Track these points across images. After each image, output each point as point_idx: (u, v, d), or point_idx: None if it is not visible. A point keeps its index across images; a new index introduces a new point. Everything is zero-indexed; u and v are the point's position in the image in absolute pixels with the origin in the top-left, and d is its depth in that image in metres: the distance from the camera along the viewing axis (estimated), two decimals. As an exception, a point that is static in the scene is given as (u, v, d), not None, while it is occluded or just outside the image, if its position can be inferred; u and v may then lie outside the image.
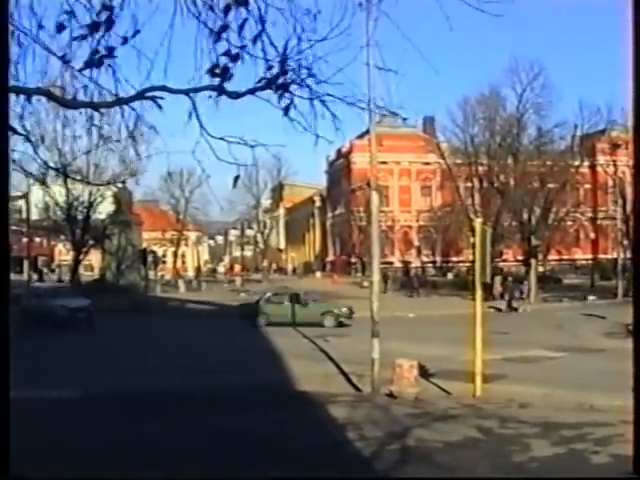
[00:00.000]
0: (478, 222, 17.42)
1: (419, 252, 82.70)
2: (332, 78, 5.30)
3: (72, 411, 13.93)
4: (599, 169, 65.22)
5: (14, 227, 49.97)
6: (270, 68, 4.93)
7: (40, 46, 5.26)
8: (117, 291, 44.23)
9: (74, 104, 5.76)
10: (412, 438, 11.73)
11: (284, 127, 5.37)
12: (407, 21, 6.07)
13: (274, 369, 19.51)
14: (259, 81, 5.03)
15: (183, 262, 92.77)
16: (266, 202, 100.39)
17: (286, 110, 5.10)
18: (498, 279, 43.03)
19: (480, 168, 54.18)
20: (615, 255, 54.22)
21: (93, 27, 4.70)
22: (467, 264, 56.34)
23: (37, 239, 70.25)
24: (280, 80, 5.00)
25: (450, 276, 71.23)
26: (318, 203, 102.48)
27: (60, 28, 4.75)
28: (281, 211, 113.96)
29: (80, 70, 5.01)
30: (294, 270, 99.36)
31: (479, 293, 16.13)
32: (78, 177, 41.57)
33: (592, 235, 73.73)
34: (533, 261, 48.79)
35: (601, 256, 72.28)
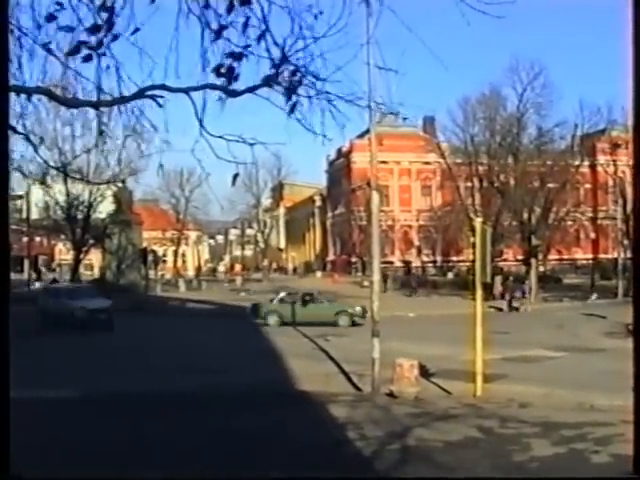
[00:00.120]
0: (478, 222, 17.41)
1: (419, 252, 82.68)
2: (332, 77, 5.30)
3: (72, 411, 13.94)
4: (599, 169, 65.20)
5: (14, 226, 50.03)
6: (276, 66, 4.92)
7: (39, 46, 5.26)
8: (117, 291, 44.14)
9: (74, 103, 5.77)
10: (412, 438, 11.73)
11: (284, 126, 5.38)
12: (407, 21, 6.06)
13: (274, 369, 19.51)
14: (271, 77, 5.03)
15: (183, 261, 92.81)
16: (266, 201, 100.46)
17: (291, 109, 5.09)
18: (498, 279, 43.03)
19: (480, 168, 54.17)
20: (615, 255, 54.19)
21: (94, 29, 4.69)
22: (467, 264, 56.28)
23: (37, 238, 70.33)
24: (288, 80, 4.99)
25: (450, 276, 71.20)
26: (318, 202, 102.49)
27: (50, 18, 4.74)
28: (281, 210, 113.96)
29: (66, 55, 5.00)
30: (294, 269, 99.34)
31: (479, 293, 16.13)
32: (78, 176, 41.47)
33: (592, 235, 73.68)
34: (533, 261, 48.78)
35: (601, 256, 72.25)
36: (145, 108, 5.47)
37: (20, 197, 50.43)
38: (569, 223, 62.27)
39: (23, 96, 5.40)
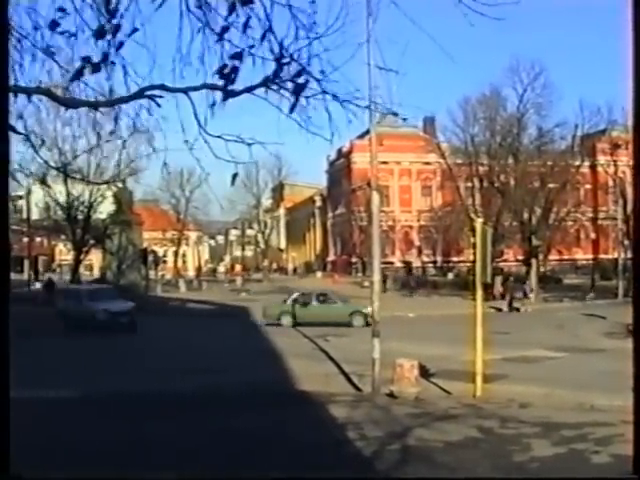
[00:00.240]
0: (479, 222, 17.40)
1: (420, 252, 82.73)
2: (332, 77, 5.31)
3: (72, 411, 13.95)
4: (600, 169, 65.25)
5: (15, 227, 50.03)
6: (281, 66, 4.92)
7: (39, 49, 5.27)
8: (118, 291, 44.15)
9: (74, 103, 5.77)
10: (412, 438, 11.73)
11: (284, 126, 5.38)
12: (408, 22, 6.06)
13: (275, 369, 19.51)
14: (269, 77, 5.03)
15: (184, 262, 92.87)
16: (267, 202, 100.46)
17: (292, 109, 5.09)
18: (499, 279, 43.01)
19: (481, 168, 54.19)
20: (616, 255, 54.17)
21: (100, 34, 4.69)
22: (468, 264, 56.36)
23: (38, 239, 70.34)
24: (293, 80, 4.99)
25: (451, 276, 71.24)
26: (319, 203, 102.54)
27: (53, 25, 4.74)
28: (282, 211, 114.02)
29: (71, 80, 5.01)
30: (295, 270, 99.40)
31: (480, 293, 16.12)
32: (78, 176, 41.52)
33: (593, 235, 73.75)
34: (534, 261, 48.77)
35: (602, 256, 72.28)
36: (144, 108, 5.48)
37: (20, 197, 50.51)
38: (569, 223, 62.30)
39: (23, 96, 5.40)
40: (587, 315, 34.83)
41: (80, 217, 48.59)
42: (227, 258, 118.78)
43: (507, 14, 5.75)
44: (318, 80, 5.12)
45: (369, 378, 16.40)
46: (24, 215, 52.42)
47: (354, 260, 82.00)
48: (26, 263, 56.06)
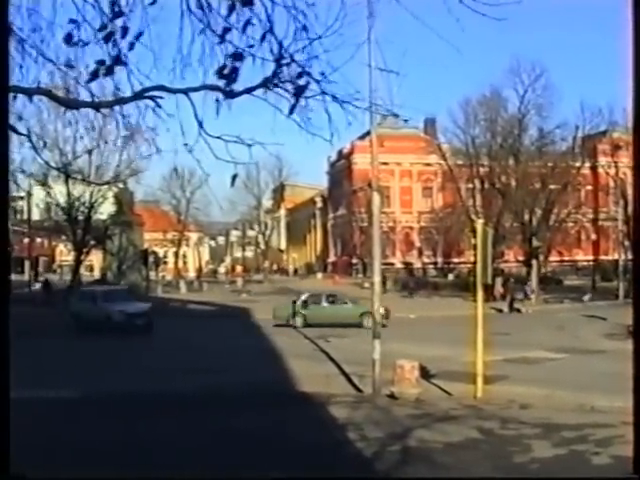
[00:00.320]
0: (479, 223, 17.40)
1: (420, 253, 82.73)
2: (334, 78, 5.30)
3: (72, 411, 13.95)
4: (600, 170, 65.25)
5: (15, 227, 50.06)
6: (281, 67, 4.92)
7: (39, 53, 5.28)
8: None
9: (75, 104, 5.77)
10: (413, 439, 11.72)
11: (284, 127, 5.38)
12: (408, 22, 6.07)
13: (275, 369, 19.52)
14: (269, 78, 5.03)
15: (184, 263, 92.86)
16: (267, 203, 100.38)
17: (291, 110, 5.09)
18: (499, 280, 43.00)
19: (481, 169, 54.23)
20: (616, 256, 54.15)
21: (108, 36, 4.69)
22: (468, 265, 56.40)
23: (38, 239, 70.37)
24: (294, 81, 4.99)
25: (451, 277, 71.24)
26: (319, 204, 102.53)
27: (69, 39, 4.75)
28: (282, 212, 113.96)
29: (88, 82, 5.01)
30: (295, 271, 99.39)
31: (480, 294, 16.11)
32: (79, 177, 41.56)
33: (593, 236, 73.65)
34: (534, 262, 48.77)
35: (602, 257, 72.24)
36: (145, 109, 5.48)
37: (21, 198, 50.52)
38: (570, 224, 62.31)
39: (25, 97, 5.40)
40: (588, 316, 34.83)
41: (81, 218, 48.60)
42: (228, 259, 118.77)
43: (508, 14, 5.75)
44: (318, 81, 5.12)
45: (370, 379, 16.39)
46: (25, 216, 52.44)
47: (355, 261, 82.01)
48: (27, 264, 56.06)
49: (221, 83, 4.93)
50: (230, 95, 5.01)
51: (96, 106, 5.62)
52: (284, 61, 4.90)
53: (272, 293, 56.70)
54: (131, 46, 4.74)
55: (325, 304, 33.41)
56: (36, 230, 58.79)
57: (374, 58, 11.53)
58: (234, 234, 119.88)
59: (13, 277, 39.66)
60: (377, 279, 17.33)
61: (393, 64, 7.30)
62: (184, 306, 44.75)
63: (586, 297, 45.80)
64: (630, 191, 42.81)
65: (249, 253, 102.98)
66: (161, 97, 5.19)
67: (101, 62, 4.78)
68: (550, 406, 14.56)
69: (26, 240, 55.96)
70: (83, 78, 5.38)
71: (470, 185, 56.58)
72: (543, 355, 22.64)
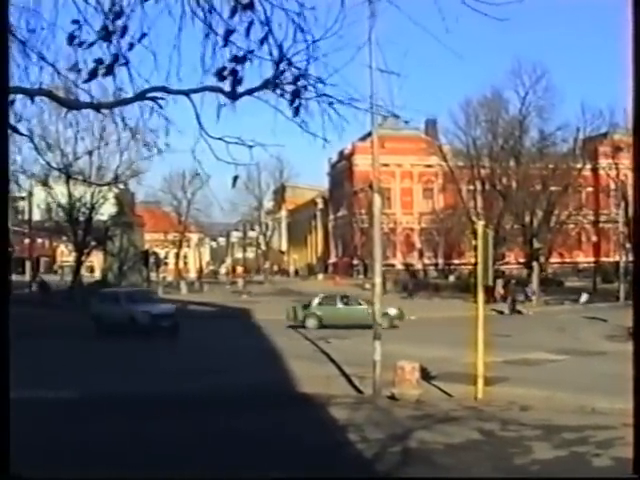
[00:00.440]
0: (480, 225, 17.40)
1: (421, 254, 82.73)
2: (334, 79, 5.31)
3: (73, 411, 13.96)
4: (601, 172, 65.30)
5: (16, 228, 50.09)
6: (279, 70, 4.93)
7: (39, 56, 5.28)
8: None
9: (76, 104, 5.77)
10: (414, 440, 11.72)
11: (285, 128, 5.38)
12: (408, 23, 6.06)
13: (276, 370, 19.52)
14: (270, 80, 5.03)
15: (185, 264, 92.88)
16: (268, 204, 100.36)
17: (296, 112, 5.09)
18: (500, 282, 42.99)
19: (482, 171, 54.31)
20: (617, 258, 54.12)
21: (106, 35, 4.70)
22: (469, 266, 56.39)
23: (39, 240, 70.41)
24: (291, 83, 5.00)
25: (452, 278, 71.18)
26: (320, 205, 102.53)
27: (71, 39, 4.75)
28: (283, 213, 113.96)
29: (86, 81, 5.01)
30: (296, 272, 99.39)
31: (481, 295, 16.11)
32: (80, 178, 41.61)
33: (594, 238, 73.56)
34: (535, 264, 48.77)
35: (603, 259, 72.13)
36: (146, 110, 5.48)
37: (22, 198, 50.58)
38: (571, 226, 62.42)
39: (26, 98, 5.41)
40: (588, 318, 34.80)
41: (81, 218, 48.66)
42: (228, 260, 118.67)
43: (509, 16, 5.75)
44: (318, 83, 5.12)
45: (370, 380, 16.38)
46: (26, 216, 52.49)
47: (355, 262, 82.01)
48: (27, 264, 56.11)
49: (222, 85, 4.94)
50: (231, 97, 5.01)
51: (97, 107, 5.62)
52: (284, 64, 4.90)
53: (273, 294, 56.73)
54: (131, 46, 4.74)
55: (339, 305, 33.24)
56: (37, 231, 58.84)
57: (375, 59, 11.56)
58: (235, 235, 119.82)
59: (14, 278, 39.71)
60: (378, 280, 17.33)
61: (394, 65, 7.30)
62: (185, 307, 44.69)
63: (583, 298, 45.37)
64: (631, 193, 42.83)
65: (250, 254, 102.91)
66: (162, 98, 5.19)
67: (100, 61, 4.78)
68: (551, 408, 14.55)
69: (27, 241, 56.01)
70: (83, 79, 5.38)
71: (471, 186, 56.66)
72: (544, 357, 22.63)
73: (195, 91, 5.11)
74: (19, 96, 5.36)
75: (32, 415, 11.62)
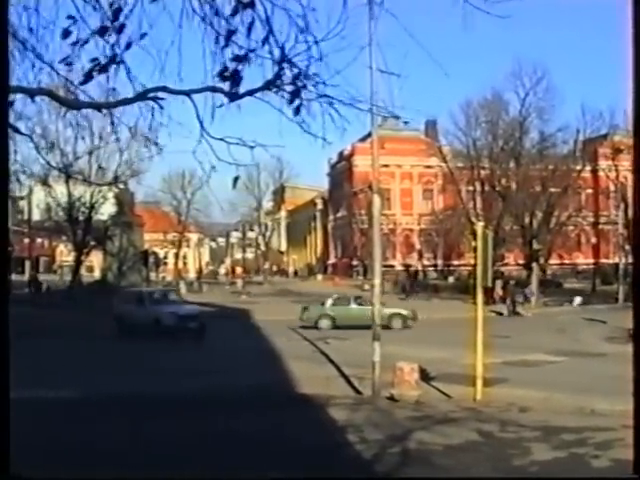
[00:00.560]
0: (480, 226, 17.41)
1: (420, 255, 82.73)
2: (335, 80, 5.31)
3: (73, 411, 13.95)
4: (601, 174, 65.27)
5: (16, 227, 50.09)
6: (279, 69, 4.93)
7: (35, 55, 5.28)
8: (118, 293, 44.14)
9: (76, 104, 5.77)
10: (413, 441, 11.72)
11: (286, 129, 5.38)
12: (409, 24, 6.07)
13: (275, 371, 19.52)
14: (271, 80, 5.03)
15: (184, 264, 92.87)
16: (268, 204, 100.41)
17: (296, 111, 5.09)
18: (499, 283, 42.97)
19: (482, 172, 54.34)
20: (616, 260, 54.14)
21: (102, 31, 4.69)
22: (468, 267, 56.36)
23: (39, 240, 70.39)
24: (291, 83, 5.00)
25: (451, 279, 71.20)
26: (320, 205, 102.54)
27: (66, 34, 4.74)
28: (283, 213, 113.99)
29: (82, 83, 5.01)
30: (295, 272, 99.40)
31: (480, 297, 16.11)
32: (80, 177, 41.60)
33: (593, 240, 73.65)
34: (534, 265, 48.78)
35: (602, 261, 72.18)
36: (147, 110, 5.48)
37: (22, 198, 50.59)
38: (570, 228, 62.48)
39: (27, 98, 5.41)
40: (587, 319, 34.80)
41: (81, 218, 48.65)
42: (228, 260, 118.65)
43: (510, 16, 5.76)
44: (319, 84, 5.13)
45: (369, 381, 16.39)
46: (25, 216, 52.49)
47: (355, 263, 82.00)
48: (27, 264, 56.10)
49: (223, 85, 4.94)
50: (232, 97, 5.01)
51: (98, 107, 5.62)
52: (285, 64, 4.90)
53: (272, 295, 56.75)
54: (128, 45, 4.74)
55: (353, 306, 33.12)
56: (36, 230, 58.81)
57: (375, 60, 11.58)
58: (234, 235, 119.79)
59: (13, 277, 39.67)
60: (377, 281, 17.33)
61: (394, 66, 7.32)
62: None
63: (576, 302, 44.84)
64: (631, 194, 42.83)
65: (249, 254, 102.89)
66: (163, 98, 5.19)
67: (96, 60, 4.76)
68: (549, 409, 14.55)
69: (26, 240, 55.99)
70: (80, 80, 5.38)
71: (471, 188, 56.67)
72: (543, 358, 22.63)
73: (196, 91, 5.12)
74: (19, 95, 5.36)
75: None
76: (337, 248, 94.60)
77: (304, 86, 5.03)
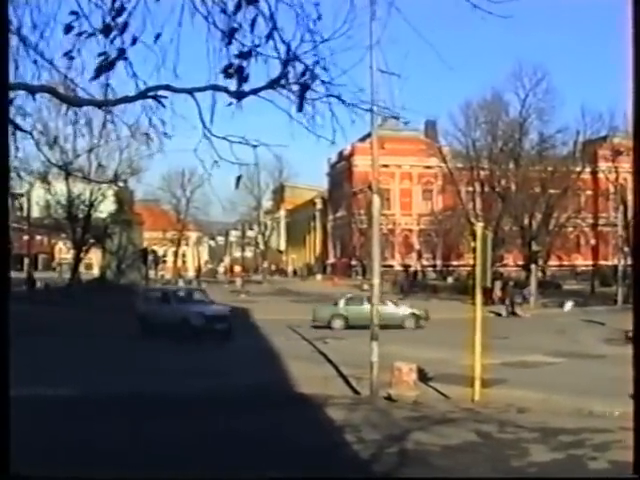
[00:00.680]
0: (479, 226, 17.41)
1: (420, 256, 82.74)
2: (336, 80, 5.30)
3: (73, 411, 13.94)
4: (600, 175, 65.28)
5: (15, 225, 50.06)
6: (285, 65, 4.92)
7: (36, 52, 5.27)
8: (117, 290, 44.19)
9: (78, 102, 5.77)
10: (410, 441, 11.72)
11: (287, 128, 5.38)
12: (408, 25, 6.07)
13: (273, 371, 19.51)
14: (275, 79, 5.03)
15: (183, 262, 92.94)
16: (267, 203, 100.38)
17: (300, 107, 5.08)
18: (498, 284, 42.99)
19: (482, 172, 54.35)
20: (615, 262, 54.18)
21: (105, 30, 4.69)
22: (467, 268, 56.36)
23: (38, 237, 70.40)
24: (297, 81, 4.99)
25: (450, 280, 71.16)
26: (319, 205, 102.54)
27: (68, 29, 4.73)
28: (282, 213, 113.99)
29: (93, 79, 4.99)
30: (294, 272, 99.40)
31: (479, 297, 16.11)
32: (80, 175, 41.52)
33: (593, 241, 73.72)
34: (533, 266, 48.79)
35: (601, 262, 72.23)
36: (148, 108, 5.47)
37: (21, 195, 50.54)
38: (570, 229, 62.48)
39: (28, 94, 5.41)
40: (586, 321, 34.81)
41: (81, 216, 48.66)
42: (227, 259, 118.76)
43: (511, 17, 5.76)
44: (324, 82, 5.12)
45: (367, 381, 16.39)
46: (24, 213, 52.46)
47: (354, 263, 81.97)
48: (26, 261, 56.09)
49: (227, 83, 4.93)
50: (236, 96, 5.01)
51: (100, 104, 5.62)
52: (290, 62, 4.89)
53: (271, 294, 56.75)
54: (134, 41, 4.73)
55: (366, 305, 32.91)
56: (36, 227, 58.81)
57: (376, 60, 11.58)
58: (233, 234, 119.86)
59: (13, 275, 39.61)
60: (376, 281, 17.34)
61: (395, 66, 7.32)
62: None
63: (567, 306, 43.90)
64: (630, 197, 42.82)
65: (248, 253, 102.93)
66: (165, 97, 5.19)
67: (104, 54, 4.74)
68: (548, 410, 14.56)
69: (25, 237, 55.97)
70: (85, 76, 5.37)
71: (470, 188, 56.66)
72: (541, 359, 22.64)
73: (199, 90, 5.11)
74: (20, 92, 5.36)
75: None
76: (336, 248, 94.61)
77: (313, 79, 5.01)
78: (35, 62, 5.31)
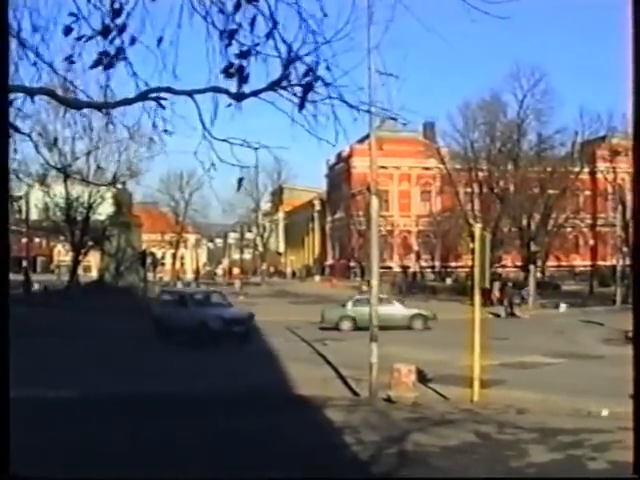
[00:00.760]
0: (477, 227, 17.43)
1: (418, 257, 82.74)
2: (336, 81, 5.30)
3: (73, 411, 13.94)
4: (599, 176, 65.33)
5: (14, 227, 50.04)
6: (286, 65, 4.92)
7: (35, 55, 5.28)
8: (116, 292, 44.17)
9: (77, 104, 5.77)
10: (410, 442, 11.73)
11: (287, 130, 5.38)
12: (408, 26, 6.08)
13: (273, 372, 19.51)
14: (276, 81, 5.03)
15: (182, 264, 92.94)
16: (266, 205, 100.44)
17: (301, 106, 5.07)
18: (497, 285, 43.01)
19: (480, 173, 54.38)
20: (614, 262, 54.21)
21: (104, 31, 4.69)
22: (466, 269, 56.36)
23: (36, 239, 70.39)
24: (300, 82, 4.99)
25: (449, 281, 71.14)
26: (318, 207, 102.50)
27: (67, 31, 4.73)
28: (281, 214, 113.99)
29: (91, 67, 4.97)
30: (293, 273, 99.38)
31: (478, 298, 16.12)
32: (78, 177, 41.59)
33: (591, 242, 73.71)
34: (532, 267, 48.81)
35: (600, 263, 72.27)
36: (148, 110, 5.48)
37: (20, 198, 50.51)
38: (568, 230, 62.49)
39: (26, 96, 5.41)
40: (585, 322, 34.82)
41: (79, 218, 48.65)
42: (225, 261, 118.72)
43: (509, 17, 5.76)
44: (326, 83, 5.11)
45: (366, 382, 16.39)
46: (23, 216, 52.44)
47: (352, 264, 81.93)
48: (24, 263, 56.07)
49: (227, 84, 4.93)
50: (237, 98, 5.01)
51: (99, 107, 5.62)
52: (292, 62, 4.89)
53: (270, 295, 56.70)
54: (132, 41, 4.73)
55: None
56: (34, 230, 58.81)
57: (374, 61, 11.60)
58: (232, 236, 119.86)
59: (11, 277, 39.55)
60: (375, 282, 17.35)
61: (393, 67, 7.33)
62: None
63: (561, 309, 43.52)
64: (629, 197, 42.90)
65: (247, 255, 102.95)
66: (165, 99, 5.19)
67: (104, 52, 4.75)
68: (547, 411, 14.57)
69: (24, 240, 55.97)
70: (84, 79, 5.38)
71: (469, 189, 56.69)
72: (540, 360, 22.65)
73: (199, 92, 5.10)
74: (19, 94, 5.36)
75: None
76: (335, 249, 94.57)
77: (315, 80, 5.00)
78: (34, 64, 5.31)
